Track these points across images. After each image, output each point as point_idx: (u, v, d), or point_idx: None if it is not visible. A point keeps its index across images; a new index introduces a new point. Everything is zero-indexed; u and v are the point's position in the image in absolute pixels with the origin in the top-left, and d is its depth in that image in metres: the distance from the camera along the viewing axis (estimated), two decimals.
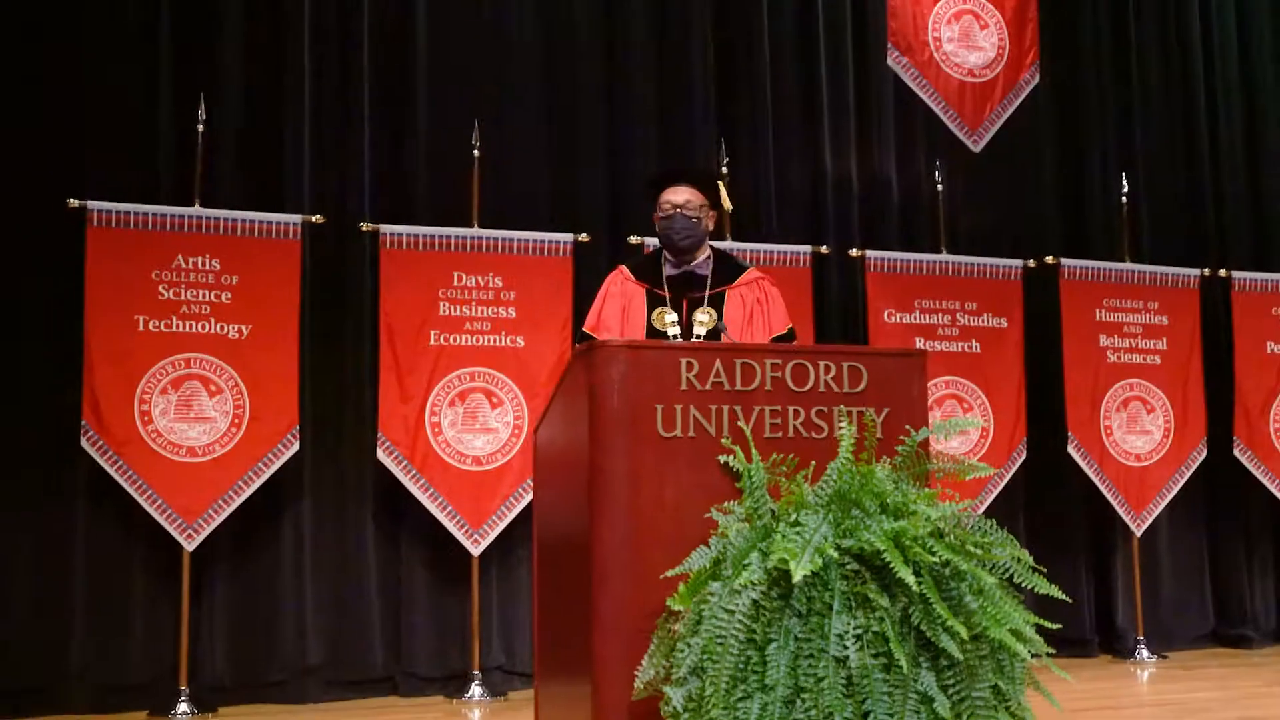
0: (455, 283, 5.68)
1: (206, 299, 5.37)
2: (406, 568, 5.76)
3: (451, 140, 5.91)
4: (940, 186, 6.66)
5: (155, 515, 5.15)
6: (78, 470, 5.26)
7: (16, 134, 5.41)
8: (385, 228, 5.64)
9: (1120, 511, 6.62)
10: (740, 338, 3.54)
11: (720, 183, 3.66)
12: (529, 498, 5.34)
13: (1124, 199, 6.91)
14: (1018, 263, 6.65)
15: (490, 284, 5.69)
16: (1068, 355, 6.62)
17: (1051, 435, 6.62)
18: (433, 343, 5.62)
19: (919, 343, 6.37)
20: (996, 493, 6.39)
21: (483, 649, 5.58)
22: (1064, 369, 6.60)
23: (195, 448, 5.25)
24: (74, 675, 5.21)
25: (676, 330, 3.57)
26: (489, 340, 5.69)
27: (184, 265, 5.35)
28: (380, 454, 5.49)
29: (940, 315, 6.48)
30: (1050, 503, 6.82)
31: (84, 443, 5.10)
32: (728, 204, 3.66)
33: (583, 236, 5.87)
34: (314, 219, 5.61)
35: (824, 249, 6.38)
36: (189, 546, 5.20)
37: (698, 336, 3.57)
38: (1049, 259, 6.68)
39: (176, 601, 5.24)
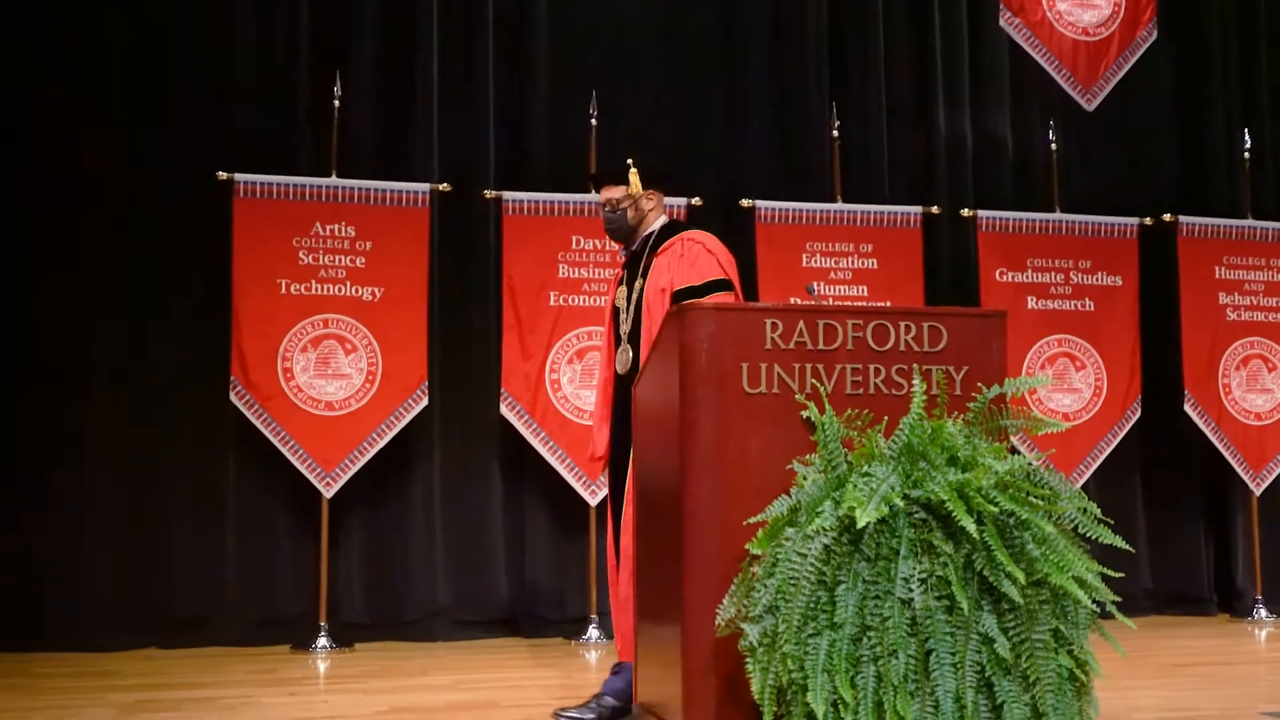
0: (574, 246, 5.92)
1: (343, 264, 5.73)
2: (529, 516, 6.05)
3: (570, 110, 6.14)
4: (1054, 146, 6.63)
5: (297, 464, 5.55)
6: (227, 423, 5.68)
7: (171, 115, 5.84)
8: (508, 194, 5.92)
9: (1239, 470, 6.55)
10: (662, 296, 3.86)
11: (631, 171, 4.00)
12: None
13: (1246, 155, 6.77)
14: (1133, 220, 6.60)
15: (608, 247, 5.89)
16: (1185, 313, 6.54)
17: (1168, 394, 6.57)
18: (552, 303, 5.88)
19: (1030, 301, 6.39)
20: (1110, 450, 6.41)
21: (599, 593, 5.84)
22: (1181, 327, 6.54)
23: (333, 402, 5.63)
24: (226, 610, 5.67)
25: (624, 304, 4.01)
26: (606, 300, 5.89)
27: (322, 232, 5.71)
28: (503, 408, 5.79)
29: (1053, 274, 6.48)
30: (1168, 461, 6.79)
31: (233, 397, 5.52)
32: (636, 187, 4.01)
33: (695, 200, 6.04)
34: (441, 187, 5.92)
35: (935, 209, 6.44)
36: (327, 494, 5.59)
37: (635, 304, 3.95)
38: (1166, 216, 6.60)
39: (317, 545, 5.64)
